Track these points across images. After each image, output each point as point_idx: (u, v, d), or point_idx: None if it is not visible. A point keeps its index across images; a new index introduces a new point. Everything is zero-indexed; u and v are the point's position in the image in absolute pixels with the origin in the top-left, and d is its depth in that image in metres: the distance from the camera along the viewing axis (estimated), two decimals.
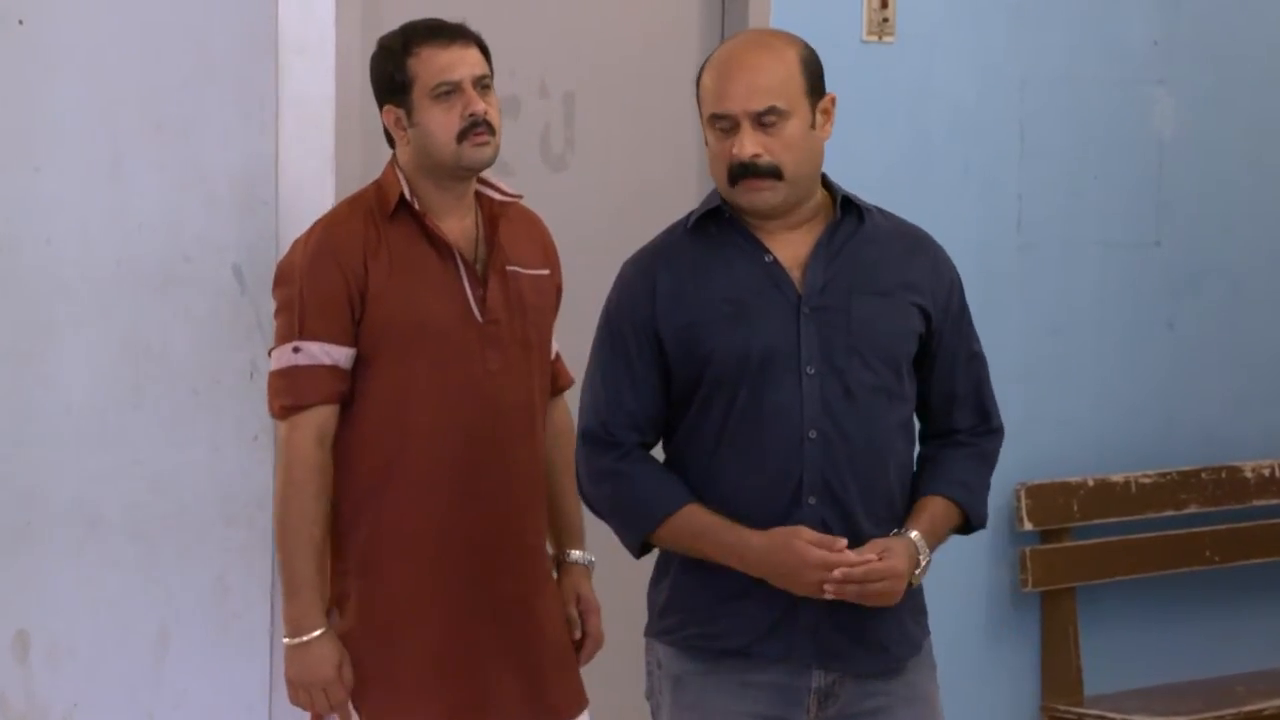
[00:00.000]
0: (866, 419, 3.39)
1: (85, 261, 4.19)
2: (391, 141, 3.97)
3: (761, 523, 3.37)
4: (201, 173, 4.28)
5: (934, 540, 3.44)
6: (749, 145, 3.34)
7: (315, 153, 4.37)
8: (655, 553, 3.53)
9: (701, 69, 3.45)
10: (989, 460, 3.57)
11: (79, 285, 4.18)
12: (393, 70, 3.89)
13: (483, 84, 3.88)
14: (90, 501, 4.20)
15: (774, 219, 3.42)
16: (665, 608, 3.50)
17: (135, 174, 4.22)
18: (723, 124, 3.36)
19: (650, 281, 3.45)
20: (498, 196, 3.99)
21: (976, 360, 3.55)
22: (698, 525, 3.40)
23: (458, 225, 3.93)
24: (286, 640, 3.89)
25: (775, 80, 3.34)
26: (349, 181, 4.37)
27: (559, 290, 4.08)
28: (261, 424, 4.34)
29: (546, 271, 4.03)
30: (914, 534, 3.40)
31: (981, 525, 3.56)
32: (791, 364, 3.38)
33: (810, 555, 3.30)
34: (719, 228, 3.46)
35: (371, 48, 4.03)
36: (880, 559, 3.32)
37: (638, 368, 3.44)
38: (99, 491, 4.21)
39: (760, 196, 3.38)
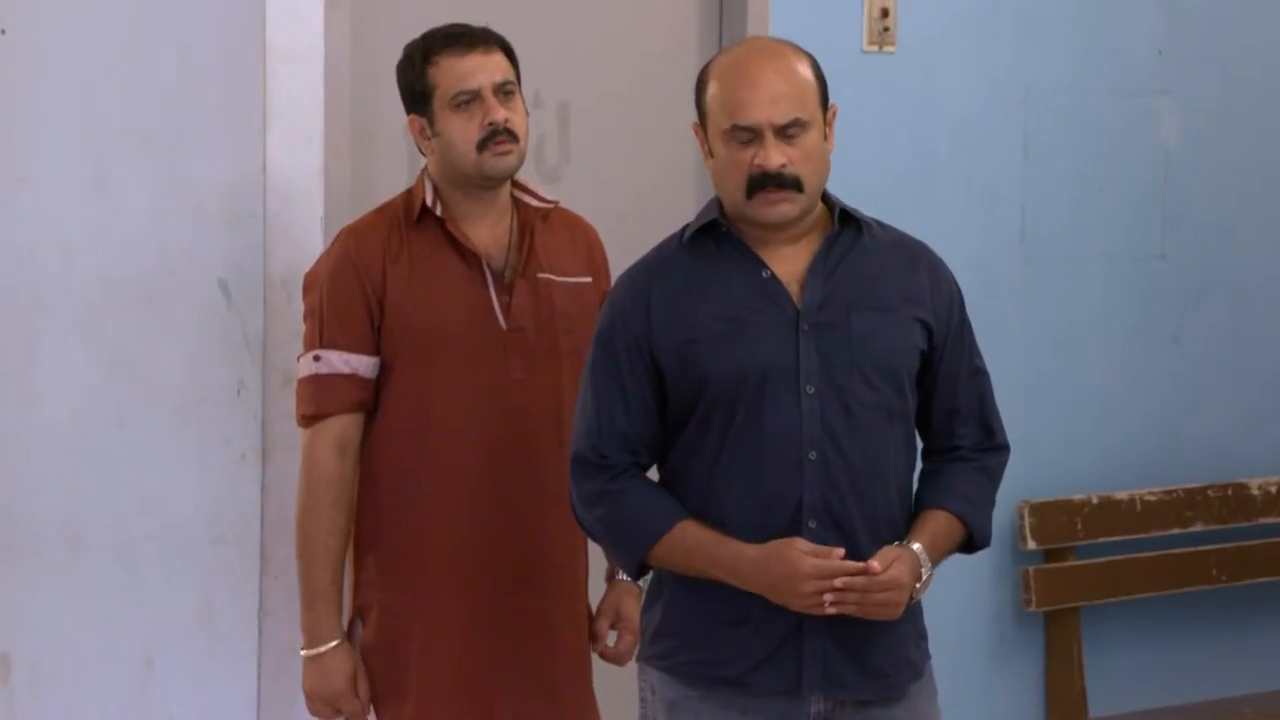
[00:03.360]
0: (867, 438, 3.33)
1: (68, 276, 4.17)
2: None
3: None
4: (187, 185, 4.26)
5: (936, 554, 3.37)
6: (776, 155, 3.28)
7: (304, 164, 4.34)
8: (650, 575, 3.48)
9: (704, 77, 3.39)
10: (993, 477, 3.50)
11: (62, 300, 4.16)
12: (414, 79, 3.87)
13: (505, 90, 3.84)
14: (74, 522, 4.19)
15: (783, 232, 3.35)
16: (658, 632, 3.44)
17: (120, 186, 4.20)
18: (743, 135, 3.30)
19: (644, 299, 3.39)
20: (534, 203, 3.96)
21: (979, 375, 3.49)
22: (691, 541, 3.33)
23: (488, 232, 3.91)
24: (303, 651, 3.89)
25: (797, 91, 3.31)
26: (338, 193, 4.36)
27: (604, 298, 4.00)
28: (249, 442, 4.31)
29: (588, 279, 4.00)
30: (916, 546, 3.33)
31: (985, 544, 3.49)
32: (790, 383, 3.31)
33: (805, 564, 3.24)
34: (715, 242, 3.40)
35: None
36: (884, 569, 3.26)
37: (630, 387, 3.38)
38: (83, 512, 4.20)
39: (780, 209, 3.32)
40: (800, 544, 3.25)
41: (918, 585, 3.33)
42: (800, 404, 3.30)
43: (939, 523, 3.39)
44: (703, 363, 3.32)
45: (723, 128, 3.31)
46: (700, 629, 3.37)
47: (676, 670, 3.41)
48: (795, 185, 3.30)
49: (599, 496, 3.40)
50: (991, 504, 3.50)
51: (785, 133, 3.28)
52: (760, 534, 3.29)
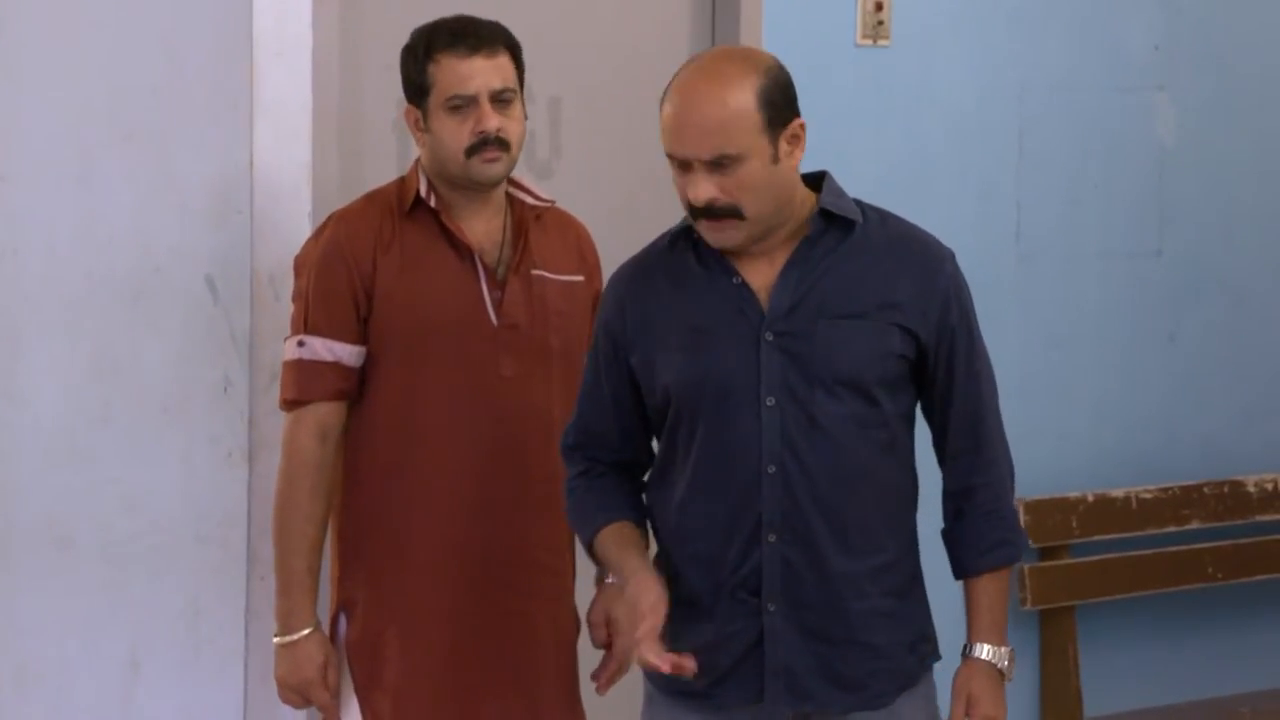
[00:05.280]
0: (834, 450, 3.26)
1: (53, 273, 4.14)
2: None
3: (725, 559, 3.28)
4: (173, 181, 4.23)
5: (1001, 620, 3.37)
6: (703, 191, 3.20)
7: (291, 160, 4.32)
8: None
9: (663, 95, 3.29)
10: (1000, 493, 3.41)
11: (47, 298, 4.14)
12: (413, 72, 3.83)
13: (502, 98, 3.80)
14: (59, 521, 4.17)
15: (746, 251, 3.29)
16: None
17: (105, 183, 4.17)
18: (678, 163, 3.23)
19: (623, 302, 3.37)
20: (530, 201, 3.93)
21: (975, 380, 3.38)
22: (608, 543, 3.36)
23: (483, 227, 3.88)
24: (275, 638, 3.87)
25: (725, 125, 3.17)
26: (326, 190, 4.34)
27: (596, 297, 3.99)
28: (235, 441, 4.29)
29: (580, 278, 3.96)
30: (985, 651, 3.34)
31: (1025, 549, 3.50)
32: (750, 395, 3.25)
33: (640, 600, 3.22)
34: (694, 247, 3.34)
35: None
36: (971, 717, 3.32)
37: (605, 388, 3.40)
38: (68, 511, 4.17)
39: (723, 236, 3.26)
40: (648, 585, 3.22)
41: (1005, 668, 3.35)
42: (760, 417, 3.25)
43: (989, 590, 3.37)
44: (665, 374, 3.29)
45: (667, 152, 3.24)
46: (671, 639, 3.31)
47: (651, 676, 3.41)
48: (732, 214, 3.21)
49: (568, 490, 3.47)
50: (1013, 516, 3.42)
51: (717, 165, 3.19)
52: (723, 547, 3.27)
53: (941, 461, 3.42)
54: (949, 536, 3.42)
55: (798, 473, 3.25)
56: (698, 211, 3.22)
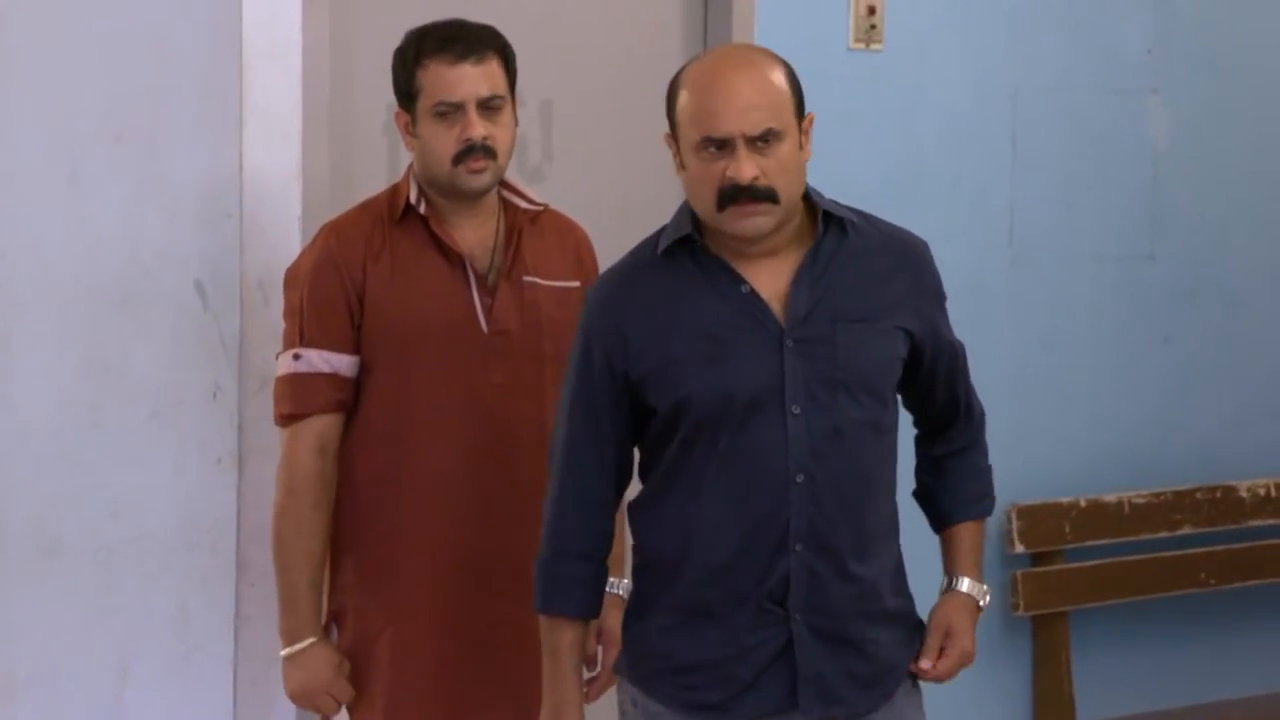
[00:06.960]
0: (855, 457, 3.26)
1: (42, 276, 4.13)
2: None
3: (746, 570, 3.25)
4: (163, 184, 4.21)
5: (979, 560, 3.46)
6: (748, 167, 3.17)
7: (281, 163, 4.30)
8: (634, 587, 3.41)
9: (675, 86, 3.28)
10: (984, 449, 3.53)
11: (35, 301, 4.12)
12: (402, 77, 3.81)
13: (491, 104, 3.77)
14: (47, 526, 4.15)
15: (759, 245, 3.26)
16: (644, 653, 3.37)
17: (94, 185, 4.15)
18: (714, 146, 3.19)
19: (617, 316, 3.29)
20: (523, 205, 3.90)
21: (955, 358, 3.44)
22: (552, 642, 3.40)
23: (474, 233, 3.85)
24: (283, 653, 3.83)
25: (770, 100, 3.19)
26: (316, 193, 4.32)
27: None
28: (225, 446, 4.27)
29: (575, 283, 3.92)
30: (965, 584, 3.43)
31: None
32: (776, 404, 3.22)
33: None
34: (691, 256, 3.29)
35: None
36: (944, 656, 3.40)
37: (603, 413, 3.30)
38: (56, 516, 4.16)
39: (753, 222, 3.21)
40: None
41: (981, 605, 3.44)
42: (786, 425, 3.22)
43: (970, 535, 3.46)
44: (683, 388, 3.23)
45: (693, 140, 3.20)
46: (685, 655, 3.29)
47: (657, 693, 3.34)
48: (769, 197, 3.19)
49: (548, 537, 3.41)
50: (989, 469, 3.53)
51: (758, 144, 3.17)
52: (745, 558, 3.24)
53: (930, 435, 3.48)
54: (927, 492, 3.50)
55: (825, 481, 3.24)
56: (735, 192, 3.17)
